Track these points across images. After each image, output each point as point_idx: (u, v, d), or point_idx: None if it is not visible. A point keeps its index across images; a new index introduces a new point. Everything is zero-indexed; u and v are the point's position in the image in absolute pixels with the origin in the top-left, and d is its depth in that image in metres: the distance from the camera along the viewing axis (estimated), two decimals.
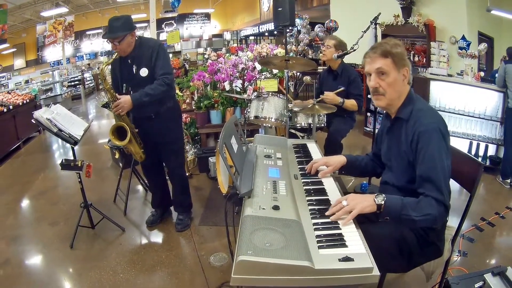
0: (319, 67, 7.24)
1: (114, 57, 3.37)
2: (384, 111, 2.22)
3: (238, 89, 5.48)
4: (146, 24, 16.83)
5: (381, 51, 1.98)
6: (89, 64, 21.76)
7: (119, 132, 3.40)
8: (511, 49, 5.08)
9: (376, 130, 4.80)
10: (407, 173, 2.02)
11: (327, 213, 1.82)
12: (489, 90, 5.47)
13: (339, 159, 2.41)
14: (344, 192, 2.17)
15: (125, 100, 3.25)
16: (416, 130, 1.91)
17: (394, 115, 2.10)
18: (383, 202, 1.81)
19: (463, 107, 5.64)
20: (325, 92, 4.35)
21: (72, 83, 16.90)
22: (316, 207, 1.91)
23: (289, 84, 5.57)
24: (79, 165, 3.61)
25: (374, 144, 2.53)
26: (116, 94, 3.36)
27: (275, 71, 6.23)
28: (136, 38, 3.43)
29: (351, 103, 4.37)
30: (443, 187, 1.82)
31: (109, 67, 3.59)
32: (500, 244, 3.61)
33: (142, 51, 3.42)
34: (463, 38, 6.59)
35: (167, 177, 4.16)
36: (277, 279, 1.43)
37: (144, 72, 3.40)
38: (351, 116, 4.56)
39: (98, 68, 20.86)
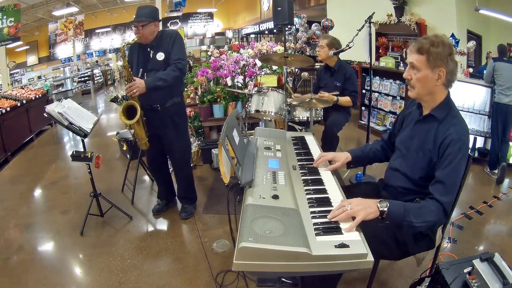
0: (316, 64, 7.21)
1: (135, 39, 3.38)
2: (417, 101, 2.14)
3: (240, 85, 5.46)
4: None
5: (417, 47, 1.92)
6: (96, 61, 21.72)
7: (129, 113, 3.38)
8: (502, 46, 5.06)
9: (371, 124, 4.80)
10: (424, 170, 1.98)
11: (328, 217, 1.71)
12: (478, 85, 5.46)
13: (345, 156, 2.39)
14: (341, 183, 2.15)
15: (140, 82, 3.24)
16: (449, 135, 1.85)
17: (428, 112, 2.03)
18: (386, 209, 1.76)
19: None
20: (320, 92, 4.35)
21: (82, 79, 16.89)
22: (313, 196, 1.90)
23: (288, 79, 5.53)
24: (89, 156, 3.61)
25: (392, 128, 2.44)
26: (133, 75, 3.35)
27: (274, 67, 6.22)
28: (159, 30, 3.48)
29: (345, 100, 4.37)
30: (452, 194, 1.82)
31: (128, 47, 3.60)
32: (488, 232, 3.61)
33: (162, 40, 3.45)
34: (453, 36, 6.55)
35: (171, 169, 4.15)
36: (277, 264, 1.43)
37: (160, 56, 3.40)
38: (347, 110, 4.54)
39: (106, 65, 20.89)
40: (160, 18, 3.57)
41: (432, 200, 1.80)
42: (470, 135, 5.46)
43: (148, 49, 3.46)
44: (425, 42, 1.89)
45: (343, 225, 1.65)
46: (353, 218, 1.69)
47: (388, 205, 1.77)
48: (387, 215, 1.77)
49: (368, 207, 1.75)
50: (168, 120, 3.57)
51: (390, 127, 6.61)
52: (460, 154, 1.82)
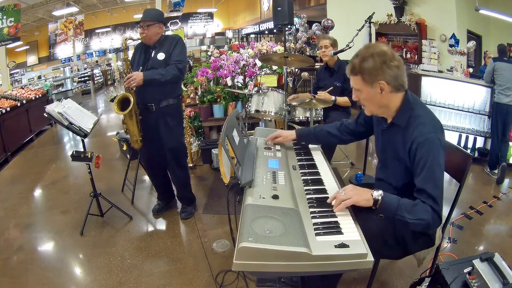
0: (316, 64, 7.21)
1: (139, 38, 3.48)
2: None
3: (240, 85, 5.46)
4: None
5: (350, 69, 1.88)
6: (96, 61, 21.74)
7: (123, 105, 3.38)
8: (502, 46, 5.06)
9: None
10: (405, 177, 1.94)
11: (328, 201, 1.80)
12: (478, 85, 5.46)
13: (291, 134, 2.54)
14: (341, 183, 2.15)
15: (138, 74, 3.28)
16: (415, 140, 1.79)
17: (390, 121, 1.98)
18: (380, 198, 1.74)
19: (453, 102, 5.62)
20: (318, 92, 4.35)
21: (82, 79, 16.92)
22: (313, 196, 1.91)
23: (287, 79, 5.53)
24: (89, 156, 3.61)
25: (354, 120, 2.44)
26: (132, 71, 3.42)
27: (274, 67, 6.22)
28: (163, 34, 3.56)
29: (343, 100, 4.36)
30: (439, 197, 1.74)
31: (130, 43, 3.68)
32: (488, 232, 3.60)
33: (165, 42, 3.53)
34: (453, 36, 6.56)
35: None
36: (276, 264, 1.43)
37: (161, 56, 3.46)
38: (347, 110, 4.54)
39: (107, 64, 20.91)
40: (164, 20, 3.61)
41: (423, 202, 1.74)
42: (470, 135, 5.52)
43: (151, 50, 3.52)
44: (356, 61, 1.84)
45: (342, 225, 1.66)
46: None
47: (383, 195, 1.76)
48: (380, 206, 1.76)
49: (362, 194, 1.77)
50: (161, 121, 3.57)
51: None
52: (431, 155, 1.75)
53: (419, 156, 1.78)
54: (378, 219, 1.83)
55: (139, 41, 3.57)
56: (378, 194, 1.76)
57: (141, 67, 3.44)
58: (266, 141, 2.54)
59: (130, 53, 3.66)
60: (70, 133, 4.28)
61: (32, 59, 20.84)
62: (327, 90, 4.28)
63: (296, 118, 4.32)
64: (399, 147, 1.92)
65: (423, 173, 1.76)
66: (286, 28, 5.82)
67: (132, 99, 3.32)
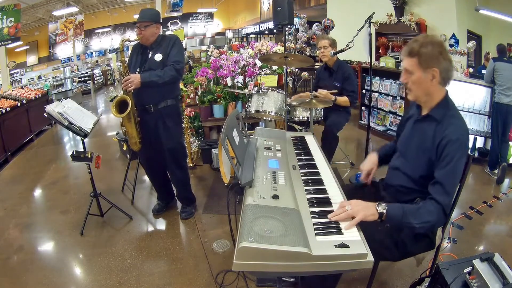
0: (316, 64, 7.21)
1: (137, 38, 3.47)
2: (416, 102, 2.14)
3: (240, 85, 5.46)
4: None
5: (407, 51, 1.94)
6: (96, 61, 21.73)
7: (121, 108, 3.38)
8: (501, 45, 5.06)
9: (371, 124, 4.79)
10: (424, 168, 1.97)
11: (329, 216, 1.73)
12: (478, 85, 5.46)
13: (374, 158, 2.46)
14: (341, 183, 2.15)
15: (135, 76, 3.28)
16: (446, 136, 1.84)
17: (427, 112, 2.02)
18: (384, 211, 1.77)
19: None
20: (319, 89, 4.35)
21: (82, 79, 16.93)
22: (313, 196, 1.91)
23: (287, 79, 5.53)
24: (89, 156, 3.61)
25: (397, 136, 2.46)
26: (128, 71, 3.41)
27: (274, 67, 6.22)
28: (160, 34, 3.56)
29: (343, 100, 4.37)
30: (450, 195, 1.82)
31: (127, 44, 3.69)
32: (488, 232, 3.60)
33: (162, 43, 3.51)
34: (453, 36, 6.55)
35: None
36: (276, 264, 1.43)
37: (158, 57, 3.45)
38: (347, 110, 4.54)
39: (107, 65, 20.91)
40: (161, 20, 3.60)
41: (431, 200, 1.80)
42: (470, 135, 5.51)
43: (148, 50, 3.50)
44: (415, 44, 1.90)
45: (343, 225, 1.65)
46: (353, 218, 1.70)
47: (387, 207, 1.77)
48: (386, 217, 1.77)
49: (367, 209, 1.76)
50: (160, 122, 3.57)
51: (390, 127, 6.60)
52: (458, 154, 1.81)
53: (447, 152, 1.82)
54: (377, 222, 1.83)
55: (136, 41, 3.57)
56: (382, 208, 1.78)
57: (138, 69, 3.43)
58: (363, 179, 2.45)
59: (129, 54, 3.67)
60: (70, 133, 4.29)
61: (32, 59, 20.82)
62: (330, 92, 4.28)
63: (296, 118, 4.32)
64: (428, 139, 1.96)
65: (447, 168, 1.82)
66: (286, 28, 5.82)
67: (130, 102, 3.32)
